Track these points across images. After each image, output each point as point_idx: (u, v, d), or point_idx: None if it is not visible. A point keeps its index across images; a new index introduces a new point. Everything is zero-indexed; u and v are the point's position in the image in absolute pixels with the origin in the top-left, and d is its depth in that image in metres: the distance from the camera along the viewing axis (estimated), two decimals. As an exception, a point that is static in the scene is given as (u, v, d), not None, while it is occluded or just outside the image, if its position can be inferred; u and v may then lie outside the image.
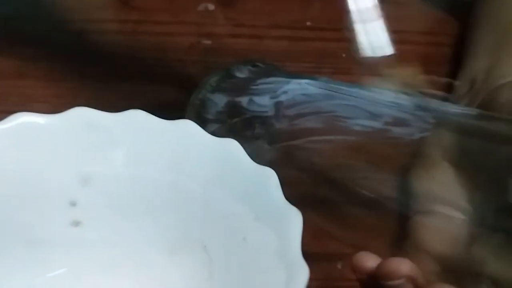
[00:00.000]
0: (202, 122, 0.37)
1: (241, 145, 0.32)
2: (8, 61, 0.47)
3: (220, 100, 0.38)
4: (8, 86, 0.45)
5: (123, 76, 0.47)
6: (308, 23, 0.54)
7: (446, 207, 0.30)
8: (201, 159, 0.33)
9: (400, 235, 0.31)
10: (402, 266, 0.28)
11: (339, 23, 0.53)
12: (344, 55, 0.51)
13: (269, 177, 0.31)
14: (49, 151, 0.33)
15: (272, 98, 0.37)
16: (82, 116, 0.33)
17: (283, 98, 0.37)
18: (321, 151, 0.35)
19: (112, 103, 0.35)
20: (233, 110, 0.38)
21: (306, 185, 0.35)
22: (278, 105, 0.37)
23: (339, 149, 0.35)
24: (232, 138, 0.32)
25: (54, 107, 0.35)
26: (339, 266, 0.36)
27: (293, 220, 0.29)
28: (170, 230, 0.34)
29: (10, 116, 0.33)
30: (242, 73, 0.39)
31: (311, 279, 0.36)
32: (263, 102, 0.37)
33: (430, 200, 0.31)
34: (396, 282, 0.28)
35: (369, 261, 0.30)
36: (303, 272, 0.27)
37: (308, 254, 0.37)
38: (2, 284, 0.32)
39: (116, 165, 0.34)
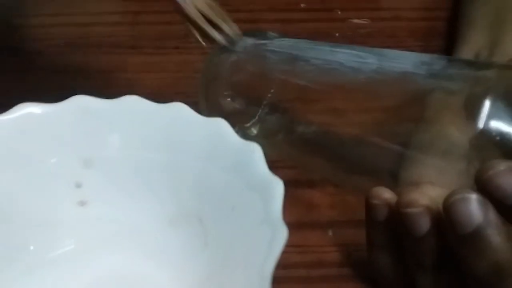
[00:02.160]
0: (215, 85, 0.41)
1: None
2: (9, 56, 0.51)
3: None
4: (9, 81, 0.49)
5: (123, 65, 0.51)
6: (302, 5, 0.57)
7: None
8: (193, 138, 0.36)
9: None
10: (423, 198, 0.32)
11: (332, 3, 0.57)
12: (337, 34, 0.54)
13: (254, 151, 0.34)
14: (52, 137, 0.37)
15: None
16: (79, 103, 0.37)
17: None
18: None
19: (113, 93, 0.39)
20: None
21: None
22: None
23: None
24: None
25: (57, 99, 0.38)
26: (330, 233, 0.40)
27: (275, 188, 0.32)
28: (168, 205, 0.37)
29: (14, 107, 0.37)
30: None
31: (305, 245, 0.39)
32: None
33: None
34: (415, 210, 0.32)
35: (386, 192, 0.34)
36: (282, 232, 0.30)
37: (303, 223, 0.40)
38: (15, 262, 0.36)
39: (115, 147, 0.37)
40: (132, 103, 0.37)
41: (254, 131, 0.40)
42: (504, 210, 0.30)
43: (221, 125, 0.36)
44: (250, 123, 0.40)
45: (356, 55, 0.39)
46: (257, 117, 0.40)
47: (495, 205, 0.30)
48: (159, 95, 0.39)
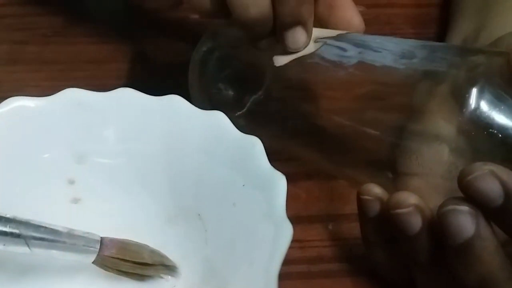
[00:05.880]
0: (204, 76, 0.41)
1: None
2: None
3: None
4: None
5: (113, 56, 0.50)
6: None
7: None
8: (190, 132, 0.36)
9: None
10: (411, 197, 0.32)
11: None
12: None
13: (255, 145, 0.34)
14: (44, 132, 0.36)
15: None
16: (73, 97, 0.36)
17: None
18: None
19: (103, 83, 0.38)
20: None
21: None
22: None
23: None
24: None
25: (46, 90, 0.38)
26: (330, 227, 0.40)
27: (278, 183, 0.32)
28: (165, 201, 0.37)
29: (4, 101, 0.36)
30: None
31: (305, 240, 0.39)
32: None
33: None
34: (405, 210, 0.32)
35: (376, 188, 0.34)
36: (287, 229, 0.30)
37: (302, 217, 0.40)
38: (8, 262, 0.36)
39: (109, 142, 0.37)
40: (126, 96, 0.37)
41: (243, 121, 0.40)
42: (488, 214, 0.31)
43: (219, 118, 0.36)
44: (239, 113, 0.40)
45: (337, 47, 0.38)
46: (246, 108, 0.40)
47: (480, 209, 0.31)
48: (152, 86, 0.38)
